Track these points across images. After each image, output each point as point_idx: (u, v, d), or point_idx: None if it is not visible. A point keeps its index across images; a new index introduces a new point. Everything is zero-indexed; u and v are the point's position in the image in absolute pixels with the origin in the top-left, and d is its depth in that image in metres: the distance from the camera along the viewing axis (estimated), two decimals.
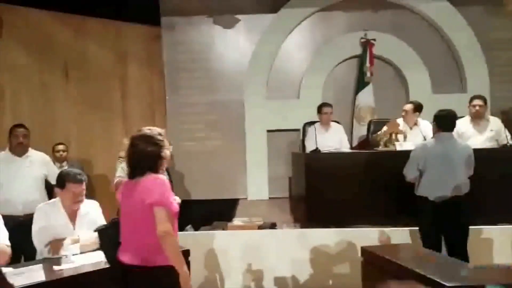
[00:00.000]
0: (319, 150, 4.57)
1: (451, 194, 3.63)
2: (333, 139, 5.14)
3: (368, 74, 6.14)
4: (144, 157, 2.30)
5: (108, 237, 2.45)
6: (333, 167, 4.44)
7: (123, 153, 3.47)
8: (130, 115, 6.11)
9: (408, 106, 4.90)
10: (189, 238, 4.15)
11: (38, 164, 3.92)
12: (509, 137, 4.60)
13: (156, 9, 6.17)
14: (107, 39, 6.00)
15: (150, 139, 2.34)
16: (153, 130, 2.40)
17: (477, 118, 4.67)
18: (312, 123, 5.36)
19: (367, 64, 6.15)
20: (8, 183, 3.71)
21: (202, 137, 6.20)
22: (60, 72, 5.69)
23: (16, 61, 5.39)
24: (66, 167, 5.06)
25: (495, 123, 4.71)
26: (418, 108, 4.86)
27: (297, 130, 5.93)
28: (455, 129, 4.42)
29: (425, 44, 6.26)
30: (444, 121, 3.77)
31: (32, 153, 3.95)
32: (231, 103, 6.22)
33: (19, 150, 3.87)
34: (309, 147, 4.97)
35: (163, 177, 2.30)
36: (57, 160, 5.10)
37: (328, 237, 4.20)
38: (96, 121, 5.82)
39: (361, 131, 5.98)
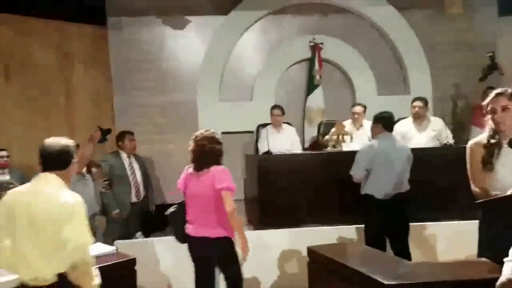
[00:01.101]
0: (271, 152, 4.61)
1: (395, 192, 3.77)
2: (285, 141, 5.20)
3: (317, 77, 6.27)
4: (212, 154, 3.06)
5: (176, 216, 3.19)
6: (285, 168, 4.51)
7: None
8: (75, 116, 5.90)
9: (359, 109, 5.07)
10: (138, 245, 4.08)
11: None
12: (450, 136, 4.84)
13: (101, 9, 5.99)
14: (51, 38, 5.77)
15: (214, 140, 3.12)
16: (211, 131, 3.20)
17: (418, 118, 4.89)
18: (265, 125, 5.43)
19: (316, 67, 6.28)
20: None
21: (153, 139, 6.07)
22: (1, 75, 5.42)
23: None
24: (7, 175, 4.83)
25: (436, 123, 4.94)
26: (365, 110, 5.05)
27: (251, 132, 5.97)
28: (397, 130, 4.66)
29: (371, 47, 6.47)
30: (389, 122, 3.92)
31: None
32: (183, 105, 6.15)
33: None
34: (262, 149, 5.01)
35: (226, 168, 3.05)
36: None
37: (279, 237, 4.25)
38: (39, 123, 5.56)
39: (312, 132, 6.10)
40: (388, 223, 3.78)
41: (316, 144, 5.60)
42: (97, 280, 2.22)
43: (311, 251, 3.12)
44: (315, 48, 6.31)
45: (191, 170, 3.16)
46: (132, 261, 3.10)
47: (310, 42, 6.33)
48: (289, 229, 4.28)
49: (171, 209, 3.27)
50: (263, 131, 5.20)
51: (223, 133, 6.06)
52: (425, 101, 4.93)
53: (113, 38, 6.06)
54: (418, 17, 6.47)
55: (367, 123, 4.94)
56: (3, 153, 4.92)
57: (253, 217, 4.76)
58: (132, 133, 4.99)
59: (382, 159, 3.78)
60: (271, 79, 6.31)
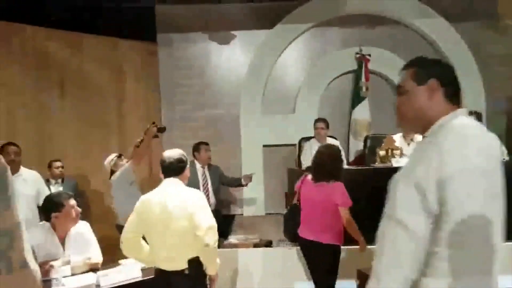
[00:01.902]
0: None
1: None
2: None
3: (364, 89, 6.15)
4: (333, 171, 3.35)
5: (289, 217, 3.55)
6: None
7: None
8: (126, 131, 6.09)
9: None
10: None
11: (31, 183, 3.88)
12: (505, 152, 4.58)
13: (152, 25, 6.20)
14: (104, 55, 6.01)
15: (337, 157, 3.44)
16: (335, 147, 3.53)
17: None
18: (308, 138, 5.36)
19: (363, 79, 6.16)
20: None
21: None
22: (56, 89, 5.70)
23: (12, 78, 5.38)
24: (60, 184, 5.04)
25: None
26: None
27: (293, 145, 5.92)
28: None
29: None
30: None
31: (24, 171, 3.90)
32: (227, 118, 6.22)
33: (11, 168, 3.80)
34: (305, 163, 4.94)
35: (342, 183, 3.35)
36: (54, 176, 5.08)
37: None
38: (92, 137, 5.79)
39: (357, 146, 5.97)
40: None
41: (362, 158, 5.46)
42: (218, 260, 2.64)
43: (362, 274, 2.99)
44: (362, 59, 6.20)
45: (309, 177, 3.48)
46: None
47: (357, 53, 6.23)
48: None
49: (287, 209, 3.68)
50: (307, 145, 5.17)
51: (265, 146, 6.14)
52: (478, 114, 4.69)
53: (162, 54, 6.25)
54: (470, 29, 6.21)
55: (419, 138, 4.76)
56: (58, 163, 5.16)
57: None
58: (207, 144, 5.15)
59: None
60: (314, 92, 6.26)
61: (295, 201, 3.58)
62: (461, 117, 1.41)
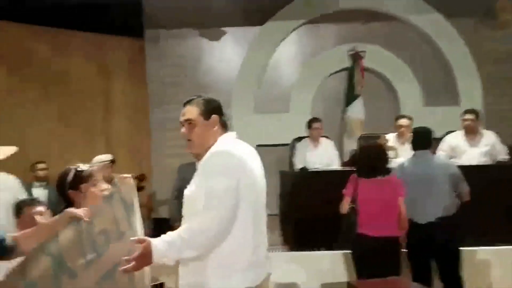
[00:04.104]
0: (307, 168, 4.45)
1: (436, 215, 3.45)
2: (322, 156, 4.97)
3: (359, 87, 6.00)
4: (386, 162, 3.48)
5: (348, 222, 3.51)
6: (322, 185, 4.26)
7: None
8: (113, 130, 5.91)
9: (405, 121, 4.72)
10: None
11: (8, 188, 3.68)
12: (504, 151, 4.45)
13: (139, 21, 6.00)
14: (89, 52, 5.84)
15: (385, 149, 3.57)
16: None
17: (470, 132, 4.51)
18: (301, 138, 5.21)
19: (357, 77, 6.01)
20: None
21: (188, 153, 5.97)
22: (39, 88, 5.50)
23: None
24: (45, 187, 4.84)
25: (489, 138, 4.56)
26: (412, 122, 4.70)
27: (287, 144, 5.68)
28: (448, 142, 4.30)
29: (416, 56, 6.15)
30: (417, 139, 3.61)
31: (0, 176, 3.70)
32: None
33: None
34: (298, 164, 4.83)
35: None
36: (37, 179, 4.87)
37: (316, 260, 4.00)
38: (77, 138, 5.60)
39: (351, 145, 5.80)
40: (433, 250, 3.46)
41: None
42: None
43: (352, 286, 2.82)
44: (356, 56, 6.06)
45: (356, 176, 3.48)
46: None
47: (350, 50, 6.09)
48: (326, 252, 4.01)
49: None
50: (300, 146, 5.02)
51: (258, 146, 5.93)
52: (476, 113, 4.55)
53: (150, 51, 6.09)
54: (467, 25, 6.09)
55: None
56: (42, 165, 4.94)
57: (288, 236, 4.52)
58: None
59: (415, 179, 3.47)
60: (308, 90, 6.13)
61: (347, 206, 3.48)
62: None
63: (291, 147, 5.44)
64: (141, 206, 4.77)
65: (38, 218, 2.69)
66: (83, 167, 2.30)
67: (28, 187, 4.68)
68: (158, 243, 1.70)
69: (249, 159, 1.93)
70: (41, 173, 4.88)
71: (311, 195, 4.26)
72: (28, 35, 5.44)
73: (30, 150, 5.20)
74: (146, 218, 4.95)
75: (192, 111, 1.97)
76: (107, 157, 4.21)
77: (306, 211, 4.26)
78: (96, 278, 1.63)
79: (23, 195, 3.64)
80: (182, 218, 1.91)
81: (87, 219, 1.66)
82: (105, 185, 2.28)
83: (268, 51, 6.10)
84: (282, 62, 6.22)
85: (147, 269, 1.86)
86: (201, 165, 1.92)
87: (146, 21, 6.05)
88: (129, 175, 1.95)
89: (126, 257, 1.65)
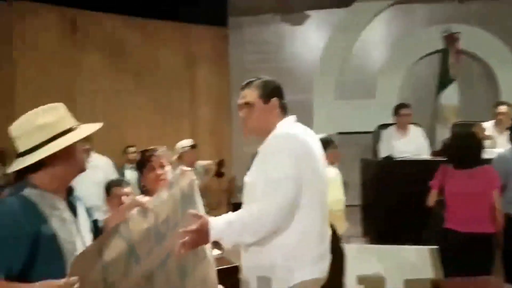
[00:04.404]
0: (393, 157, 4.23)
1: None
2: (411, 145, 4.67)
3: (453, 71, 5.56)
4: (481, 151, 3.15)
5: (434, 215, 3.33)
6: (409, 176, 4.02)
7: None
8: (198, 117, 6.10)
9: (505, 108, 4.31)
10: None
11: (100, 169, 3.93)
12: None
13: (223, 10, 6.08)
14: (176, 42, 6.05)
15: (480, 137, 3.25)
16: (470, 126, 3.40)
17: None
18: (387, 125, 4.96)
19: (451, 59, 5.57)
20: None
21: None
22: (131, 77, 5.82)
23: (91, 65, 5.58)
24: (135, 169, 5.13)
25: None
26: None
27: (371, 132, 5.44)
28: None
29: None
30: None
31: (94, 157, 3.95)
32: (299, 104, 5.90)
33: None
34: (382, 153, 4.61)
35: None
36: (129, 161, 5.21)
37: (401, 255, 3.78)
38: (164, 124, 5.85)
39: (443, 134, 5.41)
40: None
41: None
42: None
43: (436, 284, 2.60)
44: (450, 38, 5.61)
45: (446, 166, 3.26)
46: (235, 269, 2.96)
47: (444, 32, 5.66)
48: (409, 246, 3.78)
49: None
50: (386, 133, 4.77)
51: (339, 133, 5.77)
52: None
53: (233, 39, 6.16)
54: None
55: None
56: (133, 149, 5.26)
57: (369, 228, 4.34)
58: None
59: None
60: (396, 75, 5.84)
61: (434, 199, 3.31)
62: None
63: (375, 135, 5.20)
64: (221, 191, 4.92)
65: (124, 199, 2.86)
66: (147, 151, 2.40)
67: (121, 169, 5.03)
68: (217, 222, 1.66)
69: (313, 144, 1.84)
70: (131, 156, 5.20)
71: (396, 186, 4.06)
72: (121, 25, 5.74)
73: (125, 134, 5.60)
74: (226, 203, 5.05)
75: (251, 94, 1.88)
76: (188, 142, 4.32)
77: (389, 203, 4.07)
78: (152, 266, 1.62)
79: (114, 176, 3.87)
80: (242, 205, 1.85)
81: (150, 207, 1.64)
82: (162, 170, 2.35)
83: (353, 34, 5.88)
84: (368, 46, 5.97)
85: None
86: (261, 150, 1.84)
87: (230, 9, 6.11)
88: (190, 169, 1.90)
89: (182, 229, 1.61)
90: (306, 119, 6.28)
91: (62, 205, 1.51)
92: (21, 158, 1.46)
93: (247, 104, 1.87)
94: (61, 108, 1.55)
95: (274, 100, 1.86)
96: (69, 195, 1.58)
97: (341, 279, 3.20)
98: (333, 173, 3.35)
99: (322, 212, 1.84)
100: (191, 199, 1.78)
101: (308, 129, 1.88)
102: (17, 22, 5.24)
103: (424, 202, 3.36)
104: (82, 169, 1.58)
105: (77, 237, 1.51)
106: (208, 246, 1.87)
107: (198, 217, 1.66)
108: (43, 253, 1.40)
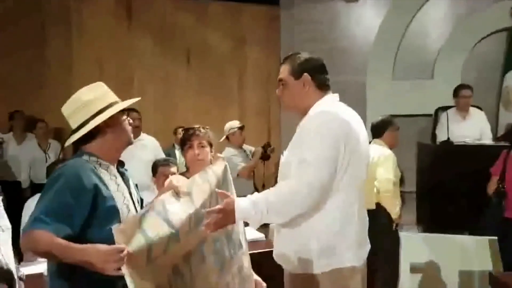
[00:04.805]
0: (452, 142, 4.02)
1: None
2: (471, 129, 4.45)
3: None
4: None
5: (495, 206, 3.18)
6: (469, 162, 3.79)
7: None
8: (246, 100, 6.08)
9: None
10: None
11: (149, 148, 4.01)
12: None
13: None
14: (227, 23, 6.00)
15: None
16: None
17: None
18: (446, 108, 4.71)
19: None
20: None
21: None
22: (182, 59, 5.87)
23: (143, 49, 5.69)
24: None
25: None
26: None
27: (430, 115, 5.27)
28: None
29: None
30: None
31: (144, 136, 4.04)
32: (352, 85, 5.67)
33: (134, 133, 3.97)
34: (441, 137, 4.40)
35: None
36: (178, 142, 5.28)
37: (457, 245, 3.57)
38: (213, 107, 5.87)
39: (509, 118, 5.05)
40: None
41: None
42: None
43: (497, 280, 2.41)
44: None
45: (507, 152, 3.21)
46: None
47: None
48: (467, 236, 3.55)
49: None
50: (444, 116, 4.53)
51: (394, 116, 5.46)
52: None
53: (284, 18, 5.99)
54: None
55: None
56: (181, 130, 5.31)
57: (424, 216, 4.15)
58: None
59: None
60: (458, 54, 5.45)
61: (494, 186, 3.21)
62: None
63: (434, 117, 5.01)
64: (268, 174, 4.86)
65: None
66: (189, 130, 2.39)
67: (172, 149, 5.13)
68: (242, 201, 1.61)
69: (354, 125, 1.72)
70: (180, 137, 5.28)
71: (454, 172, 3.84)
72: (172, 7, 5.77)
73: (172, 115, 5.71)
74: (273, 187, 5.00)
75: (284, 70, 1.84)
76: (235, 123, 4.35)
77: (446, 189, 3.88)
78: (190, 247, 1.62)
79: (161, 156, 3.94)
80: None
81: (184, 190, 1.63)
82: (199, 150, 2.34)
83: (411, 10, 5.53)
84: (427, 23, 5.60)
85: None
86: (298, 128, 1.76)
87: None
88: (223, 156, 1.90)
89: (207, 209, 1.58)
90: (359, 101, 6.13)
91: (116, 173, 1.67)
92: (74, 135, 1.63)
93: (280, 80, 1.84)
94: (102, 86, 1.71)
95: (305, 76, 1.79)
96: (120, 168, 1.73)
97: (394, 267, 3.09)
98: (385, 153, 3.42)
99: (360, 197, 1.73)
100: (225, 186, 1.76)
101: (349, 109, 1.78)
102: (75, 5, 5.44)
103: (483, 189, 3.14)
104: (129, 140, 1.74)
105: (130, 203, 1.64)
106: (244, 236, 1.85)
107: (225, 196, 1.62)
108: (102, 211, 1.52)
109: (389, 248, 3.26)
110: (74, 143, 1.63)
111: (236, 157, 4.17)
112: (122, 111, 1.69)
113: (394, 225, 3.35)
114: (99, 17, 5.52)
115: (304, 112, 1.78)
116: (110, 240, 1.36)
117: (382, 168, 3.31)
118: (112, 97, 1.69)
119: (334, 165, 1.63)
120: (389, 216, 3.34)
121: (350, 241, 1.67)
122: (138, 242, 1.40)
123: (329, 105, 1.76)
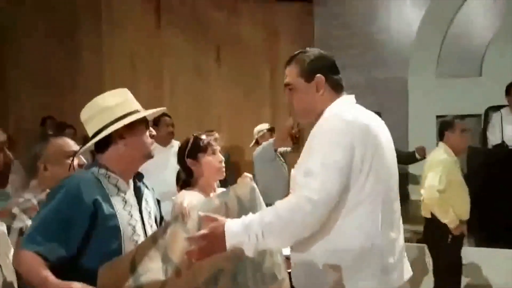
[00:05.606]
0: (507, 145, 3.96)
1: None
2: None
3: None
4: None
5: None
6: None
7: None
8: (279, 98, 5.93)
9: None
10: None
11: (174, 154, 3.87)
12: None
13: None
14: (259, 18, 5.93)
15: None
16: None
17: None
18: (498, 107, 4.62)
19: None
20: (152, 174, 3.72)
21: None
22: (213, 55, 5.80)
23: (174, 45, 5.65)
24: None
25: None
26: None
27: (478, 115, 5.14)
28: None
29: None
30: None
31: (175, 143, 3.95)
32: (392, 83, 5.56)
33: (165, 139, 3.90)
34: (493, 139, 4.32)
35: None
36: None
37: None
38: (245, 106, 5.79)
39: None
40: None
41: None
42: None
43: None
44: None
45: None
46: None
47: None
48: None
49: None
50: (496, 116, 4.45)
51: (439, 116, 5.25)
52: None
53: (318, 13, 5.91)
54: None
55: None
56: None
57: (472, 229, 3.88)
58: None
59: None
60: (508, 49, 5.18)
61: None
62: None
63: (484, 118, 4.87)
64: None
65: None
66: (203, 136, 2.20)
67: None
68: (234, 224, 1.37)
69: (374, 129, 1.48)
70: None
71: (509, 178, 3.68)
72: (204, 2, 5.72)
73: (203, 115, 5.62)
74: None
75: (290, 73, 1.58)
76: (264, 126, 4.38)
77: (501, 197, 3.71)
78: (198, 281, 1.43)
79: None
80: None
81: (186, 217, 1.45)
82: (222, 157, 2.15)
83: (457, 2, 5.29)
84: (473, 16, 5.39)
85: None
86: (310, 136, 1.52)
87: None
88: (250, 175, 1.66)
89: (188, 236, 1.39)
90: (401, 99, 5.83)
91: (126, 188, 1.57)
92: (88, 143, 1.58)
93: (287, 85, 1.59)
94: (126, 93, 1.62)
95: (318, 77, 1.53)
96: (137, 181, 1.63)
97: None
98: (439, 157, 3.29)
99: (388, 211, 1.48)
100: (252, 210, 1.50)
101: (368, 111, 1.54)
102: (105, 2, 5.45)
103: None
104: (148, 154, 1.60)
105: (138, 223, 1.55)
106: (283, 267, 1.58)
107: (211, 219, 1.40)
108: (101, 231, 1.45)
109: (442, 262, 3.04)
110: (92, 151, 1.59)
111: (266, 151, 4.07)
112: (144, 122, 1.58)
113: (450, 237, 3.15)
114: (129, 11, 5.51)
115: (317, 118, 1.54)
116: (112, 258, 1.35)
117: (431, 174, 3.23)
118: (134, 105, 1.58)
119: (346, 174, 1.40)
120: (445, 226, 3.16)
121: (371, 265, 1.42)
122: (124, 282, 1.32)
123: (342, 108, 1.53)
